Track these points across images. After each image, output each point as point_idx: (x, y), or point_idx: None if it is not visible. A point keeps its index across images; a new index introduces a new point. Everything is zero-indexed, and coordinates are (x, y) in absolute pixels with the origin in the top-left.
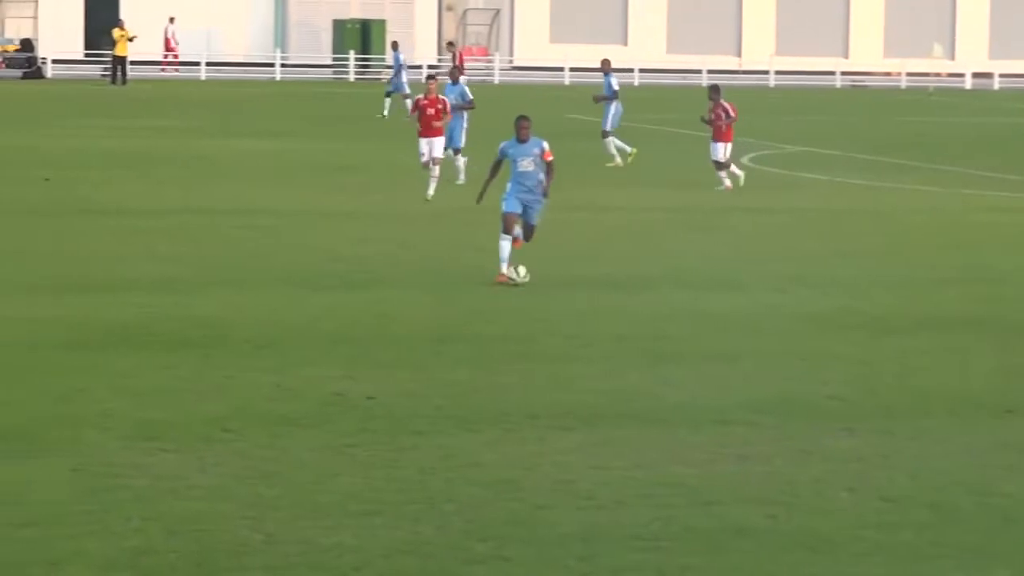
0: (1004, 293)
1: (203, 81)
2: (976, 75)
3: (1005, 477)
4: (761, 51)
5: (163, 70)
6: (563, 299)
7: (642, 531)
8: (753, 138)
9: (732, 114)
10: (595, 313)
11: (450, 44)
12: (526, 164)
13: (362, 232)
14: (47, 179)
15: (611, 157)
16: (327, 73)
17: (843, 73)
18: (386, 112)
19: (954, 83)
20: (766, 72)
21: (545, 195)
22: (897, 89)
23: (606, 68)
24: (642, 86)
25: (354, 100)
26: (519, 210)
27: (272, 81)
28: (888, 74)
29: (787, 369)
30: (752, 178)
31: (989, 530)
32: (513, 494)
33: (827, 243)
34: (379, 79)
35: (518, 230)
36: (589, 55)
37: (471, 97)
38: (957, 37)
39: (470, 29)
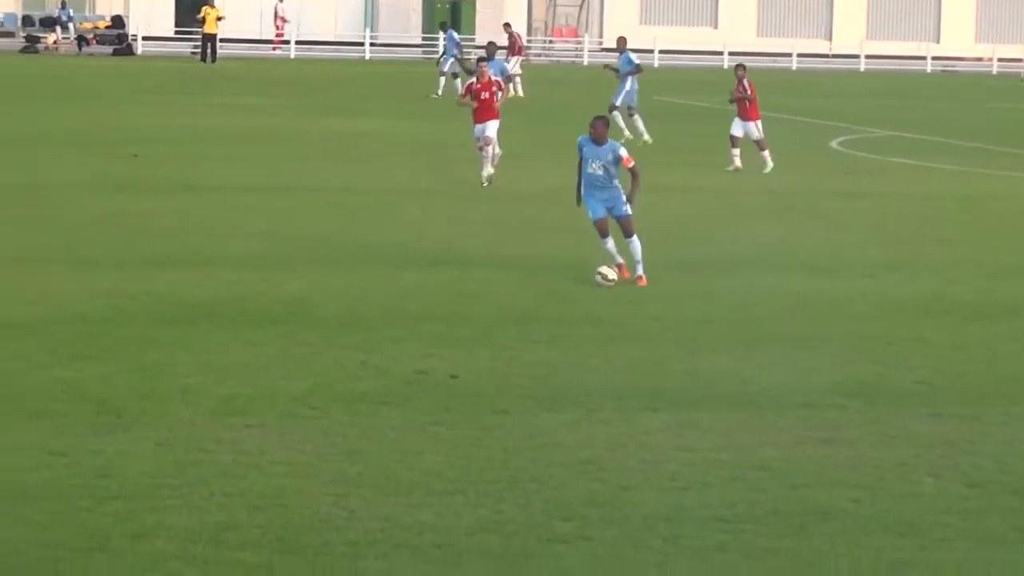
0: None
1: (292, 60)
2: None
3: None
4: (852, 35)
5: (274, 48)
6: (650, 281)
7: (727, 513)
8: (842, 122)
9: (749, 91)
10: (682, 295)
11: (506, 25)
12: (595, 167)
13: (448, 211)
14: (135, 155)
15: (640, 134)
16: (416, 53)
17: (934, 58)
18: (440, 92)
19: None
20: (856, 56)
21: (630, 201)
22: (988, 75)
23: (621, 46)
24: (731, 69)
25: (426, 80)
26: (603, 214)
27: (361, 60)
28: (979, 59)
29: (875, 353)
30: (842, 162)
31: None
32: (596, 474)
33: (916, 228)
34: (468, 58)
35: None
36: (679, 37)
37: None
38: None
39: (560, 10)
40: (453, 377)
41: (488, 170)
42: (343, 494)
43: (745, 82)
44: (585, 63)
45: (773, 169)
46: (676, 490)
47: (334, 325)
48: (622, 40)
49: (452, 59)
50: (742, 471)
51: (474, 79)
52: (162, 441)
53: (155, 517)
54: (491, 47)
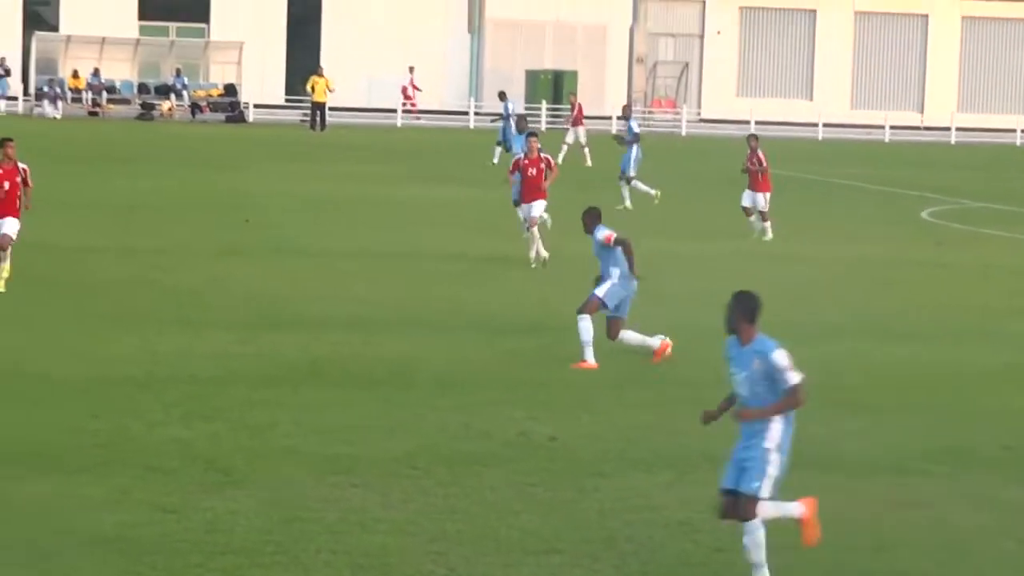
0: None
1: (399, 128)
2: None
3: None
4: (943, 108)
5: (410, 110)
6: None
7: (820, 569)
8: (933, 193)
9: (764, 163)
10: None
11: (572, 95)
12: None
13: (546, 277)
14: (247, 220)
15: (622, 199)
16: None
17: None
18: (496, 160)
19: None
20: (948, 128)
21: (633, 276)
22: None
23: (626, 113)
24: (825, 140)
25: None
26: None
27: (466, 129)
28: None
29: (962, 420)
30: (932, 232)
31: None
32: (690, 535)
33: (1006, 299)
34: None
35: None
36: (775, 109)
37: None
38: None
39: (659, 82)
40: (552, 439)
41: (541, 251)
42: (443, 552)
43: (760, 153)
44: (683, 133)
45: (856, 234)
46: (772, 549)
47: (434, 387)
48: (626, 108)
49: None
50: (831, 534)
51: (522, 154)
52: (269, 499)
53: (263, 573)
54: (521, 121)
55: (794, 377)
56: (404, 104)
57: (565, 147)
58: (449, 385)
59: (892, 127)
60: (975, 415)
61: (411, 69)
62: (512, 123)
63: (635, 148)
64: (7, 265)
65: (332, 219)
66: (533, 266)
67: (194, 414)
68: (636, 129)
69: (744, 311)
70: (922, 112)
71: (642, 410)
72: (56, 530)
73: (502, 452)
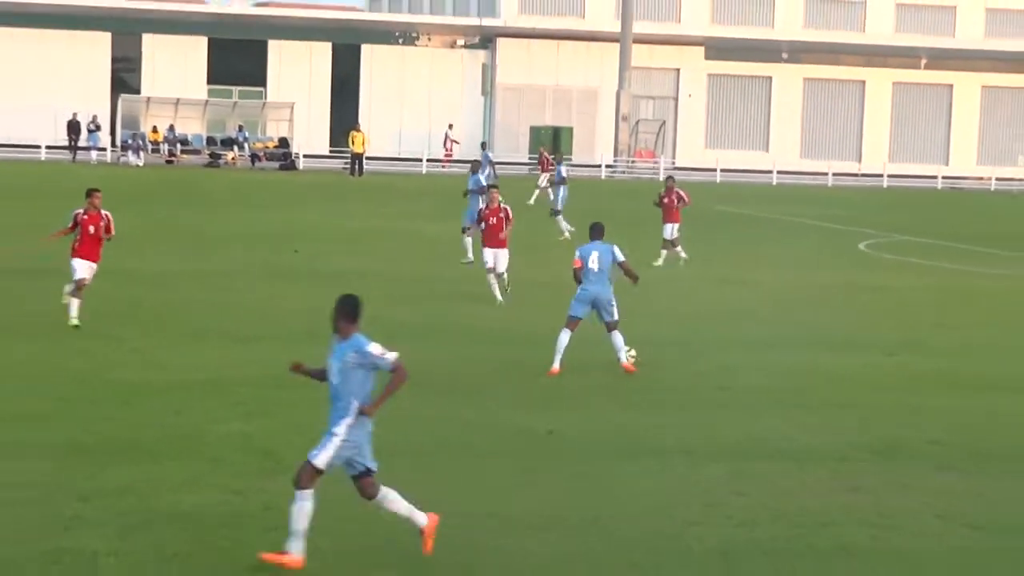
0: None
1: (424, 175)
2: None
3: None
4: (877, 158)
5: (443, 167)
6: (717, 357)
7: (770, 547)
8: (870, 228)
9: (687, 200)
10: (743, 368)
11: (541, 149)
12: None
13: (541, 297)
14: (296, 251)
15: (561, 232)
16: (523, 170)
17: (944, 177)
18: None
19: None
20: (881, 175)
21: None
22: (988, 191)
23: (558, 159)
24: (778, 185)
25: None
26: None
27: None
28: (980, 179)
29: (895, 417)
30: (867, 261)
31: None
32: (667, 513)
33: (928, 315)
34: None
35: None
36: (737, 159)
37: (484, 184)
38: None
39: (640, 136)
40: (549, 433)
41: (498, 296)
42: (461, 525)
43: (679, 191)
44: (661, 179)
45: (805, 263)
46: (730, 527)
47: (448, 388)
48: (559, 156)
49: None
50: (784, 513)
51: (484, 205)
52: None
53: (312, 543)
54: (474, 164)
55: (391, 357)
56: (446, 155)
57: (537, 190)
58: (460, 387)
59: (834, 174)
60: (905, 413)
61: (450, 126)
62: (489, 169)
63: (563, 188)
64: (78, 303)
65: (367, 249)
66: (499, 305)
67: (253, 412)
68: (564, 173)
69: (346, 312)
70: (860, 161)
71: (627, 409)
72: (143, 508)
73: (507, 444)
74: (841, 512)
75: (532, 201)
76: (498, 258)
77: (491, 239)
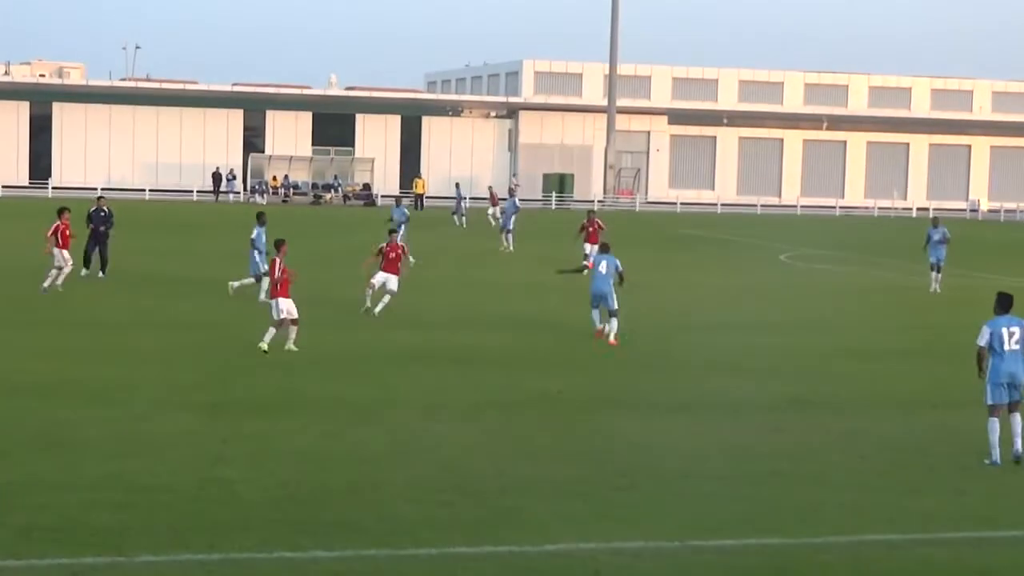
0: (932, 334)
1: (468, 208)
2: (919, 208)
3: (934, 443)
4: (792, 193)
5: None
6: (676, 336)
7: (717, 472)
8: (788, 244)
9: (603, 226)
10: (695, 344)
11: (490, 187)
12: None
13: (553, 293)
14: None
15: (506, 245)
16: (538, 204)
17: (840, 207)
18: (503, 245)
19: (905, 214)
20: (795, 206)
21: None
22: (872, 216)
23: (512, 193)
24: (721, 214)
25: (555, 221)
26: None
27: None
28: (867, 208)
29: (805, 379)
30: (785, 268)
31: (923, 474)
32: (644, 449)
33: (829, 305)
34: (568, 209)
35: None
36: (692, 195)
37: (407, 215)
38: (908, 185)
39: (622, 180)
40: (559, 393)
41: (367, 303)
42: (495, 463)
43: (597, 220)
44: (637, 209)
45: (741, 270)
46: (688, 459)
47: (487, 363)
48: (511, 190)
49: (458, 213)
50: (727, 448)
51: (385, 243)
52: (390, 430)
53: (387, 473)
54: (398, 199)
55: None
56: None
57: (492, 220)
58: (499, 361)
59: (762, 205)
60: (813, 376)
61: (516, 179)
62: (462, 205)
63: (513, 217)
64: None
65: (428, 261)
66: (366, 312)
67: (347, 379)
68: (517, 204)
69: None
70: (780, 196)
71: (625, 372)
72: (267, 447)
73: (529, 400)
74: (769, 448)
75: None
76: (388, 280)
77: (389, 266)
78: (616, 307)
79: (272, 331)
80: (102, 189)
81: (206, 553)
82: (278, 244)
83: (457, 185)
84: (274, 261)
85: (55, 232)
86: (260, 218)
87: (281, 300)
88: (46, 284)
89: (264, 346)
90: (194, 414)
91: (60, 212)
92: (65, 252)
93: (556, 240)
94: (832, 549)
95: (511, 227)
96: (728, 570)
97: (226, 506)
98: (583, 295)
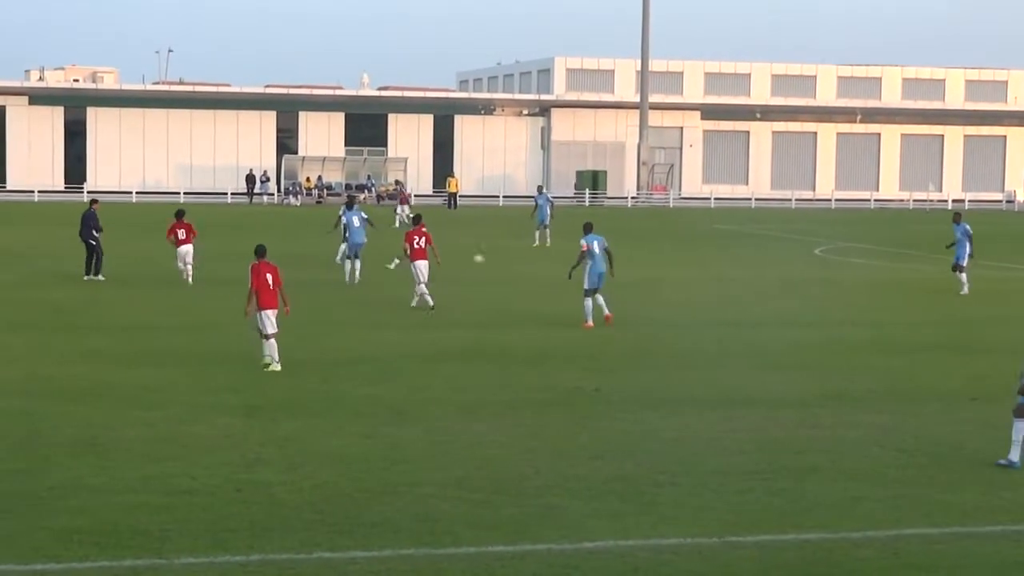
0: (968, 328)
1: (500, 207)
2: (954, 200)
3: (972, 438)
4: (826, 186)
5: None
6: (712, 332)
7: (756, 467)
8: (823, 238)
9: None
10: (730, 340)
11: (398, 182)
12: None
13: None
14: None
15: (543, 241)
16: (571, 202)
17: (875, 200)
18: (536, 241)
19: (941, 206)
20: (829, 199)
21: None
22: (907, 209)
23: (541, 191)
24: (756, 208)
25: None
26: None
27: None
28: (902, 201)
29: (841, 374)
30: (821, 261)
31: (961, 469)
32: (680, 445)
33: (863, 299)
34: (601, 206)
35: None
36: (726, 191)
37: (365, 216)
38: (943, 177)
39: (655, 176)
40: (596, 390)
41: (416, 301)
42: (530, 460)
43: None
44: (671, 206)
45: (776, 264)
46: (725, 455)
47: (523, 361)
48: (539, 187)
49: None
50: (764, 443)
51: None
52: (426, 429)
53: (424, 473)
54: (351, 200)
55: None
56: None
57: (398, 218)
58: (534, 359)
59: (796, 199)
60: (848, 370)
61: (539, 189)
62: (548, 207)
63: (550, 208)
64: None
65: (462, 260)
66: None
67: (381, 380)
68: (550, 198)
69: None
70: (814, 190)
71: (660, 368)
72: (304, 450)
73: (564, 398)
74: (806, 442)
75: (397, 225)
76: (420, 268)
77: (418, 255)
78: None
79: (272, 343)
80: (136, 193)
81: (245, 555)
82: (259, 251)
83: (539, 189)
84: (255, 268)
85: (172, 232)
86: (350, 201)
87: (270, 312)
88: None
89: (275, 365)
90: (230, 416)
91: (178, 215)
92: (185, 246)
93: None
94: (871, 544)
95: (547, 222)
96: (767, 565)
97: (264, 508)
98: (614, 290)
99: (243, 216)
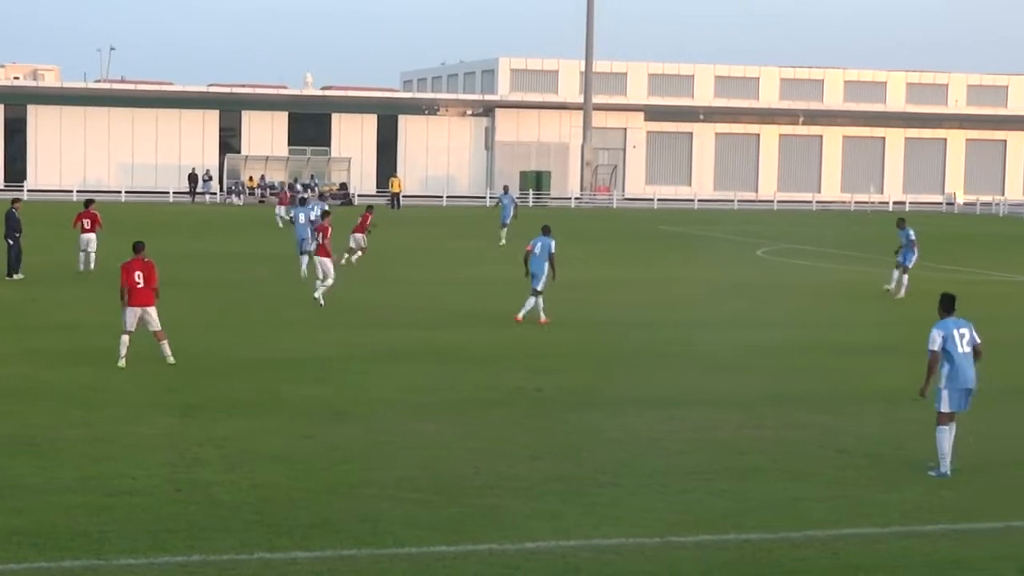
0: (909, 329)
1: (444, 207)
2: (895, 202)
3: (912, 438)
4: (769, 188)
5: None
6: (656, 333)
7: (697, 468)
8: (765, 240)
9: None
10: (674, 341)
11: (285, 184)
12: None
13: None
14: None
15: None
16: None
17: (817, 201)
18: (503, 240)
19: (882, 208)
20: (771, 201)
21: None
22: (849, 212)
23: (506, 191)
24: (698, 210)
25: (533, 218)
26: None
27: (484, 206)
28: (843, 202)
29: (783, 374)
30: (763, 263)
31: (901, 469)
32: (621, 445)
33: (809, 301)
34: (545, 206)
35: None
36: (668, 192)
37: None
38: (884, 179)
39: (599, 177)
40: (538, 390)
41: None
42: (471, 459)
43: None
44: (615, 206)
45: (719, 266)
46: (668, 455)
47: (467, 361)
48: (506, 187)
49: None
50: (706, 444)
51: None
52: (368, 429)
53: (366, 473)
54: (294, 196)
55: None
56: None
57: (280, 221)
58: (476, 359)
59: (739, 201)
60: (790, 371)
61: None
62: (513, 208)
63: (513, 209)
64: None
65: (405, 260)
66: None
67: (324, 380)
68: (515, 199)
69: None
70: (757, 191)
71: (603, 369)
72: (243, 450)
73: (506, 399)
74: (748, 443)
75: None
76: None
77: (321, 251)
78: (542, 288)
79: (126, 340)
80: (77, 191)
81: (185, 555)
82: (136, 247)
83: (505, 189)
84: (125, 266)
85: (78, 220)
86: (304, 202)
87: (139, 310)
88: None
89: (121, 361)
90: (170, 416)
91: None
92: (358, 235)
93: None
94: (811, 544)
95: (508, 221)
96: (708, 566)
97: (204, 508)
98: (559, 291)
99: (184, 215)
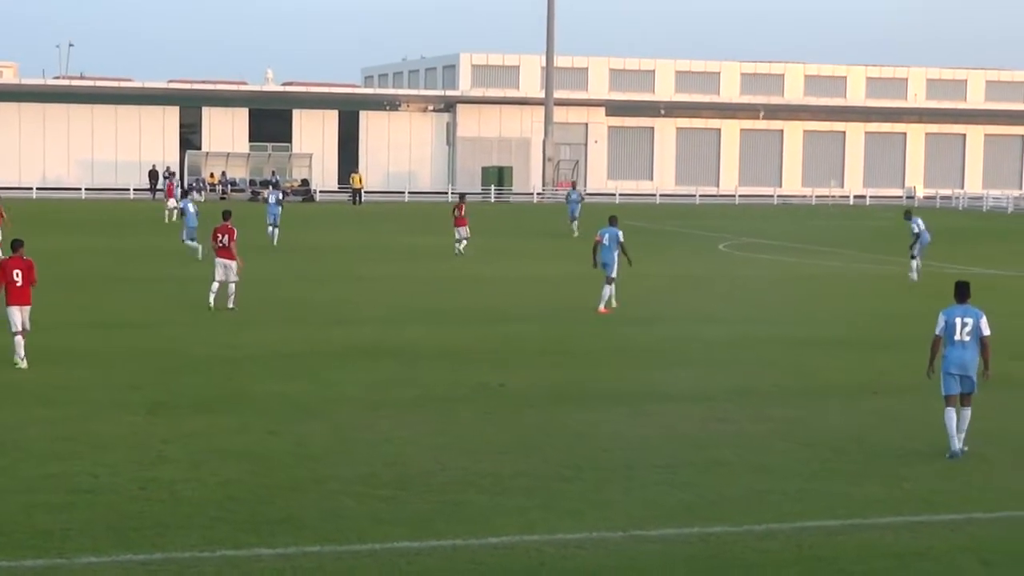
0: (872, 323)
1: (406, 203)
2: (856, 196)
3: (874, 431)
4: (730, 182)
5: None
6: (619, 329)
7: (661, 461)
8: (726, 234)
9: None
10: (639, 336)
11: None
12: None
13: (501, 287)
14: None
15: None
16: (478, 198)
17: (778, 196)
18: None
19: (842, 202)
20: (733, 195)
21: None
22: (809, 205)
23: (575, 186)
24: (660, 204)
25: (496, 213)
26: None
27: (446, 202)
28: (804, 196)
29: (747, 369)
30: (725, 257)
31: (864, 461)
32: (588, 442)
33: (771, 295)
34: (507, 202)
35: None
36: (631, 186)
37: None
38: (845, 173)
39: (561, 172)
40: (501, 386)
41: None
42: (436, 455)
43: (463, 208)
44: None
45: (681, 260)
46: (632, 450)
47: (432, 357)
48: (574, 183)
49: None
50: (671, 438)
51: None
52: (333, 426)
53: (331, 469)
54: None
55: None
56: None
57: (167, 214)
58: (440, 355)
59: (700, 195)
60: (755, 365)
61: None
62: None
63: (579, 206)
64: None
65: (368, 257)
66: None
67: (289, 376)
68: (583, 196)
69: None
70: (718, 186)
71: (567, 364)
72: (208, 447)
73: (470, 394)
74: (712, 437)
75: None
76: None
77: (223, 253)
78: (615, 276)
79: (19, 340)
80: (37, 189)
81: (148, 553)
82: (15, 245)
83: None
84: (3, 264)
85: None
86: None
87: (19, 309)
88: None
89: (22, 363)
90: (133, 414)
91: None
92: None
93: (501, 235)
94: (774, 536)
95: (577, 215)
96: (672, 559)
97: (168, 506)
98: (520, 287)
99: (144, 212)
